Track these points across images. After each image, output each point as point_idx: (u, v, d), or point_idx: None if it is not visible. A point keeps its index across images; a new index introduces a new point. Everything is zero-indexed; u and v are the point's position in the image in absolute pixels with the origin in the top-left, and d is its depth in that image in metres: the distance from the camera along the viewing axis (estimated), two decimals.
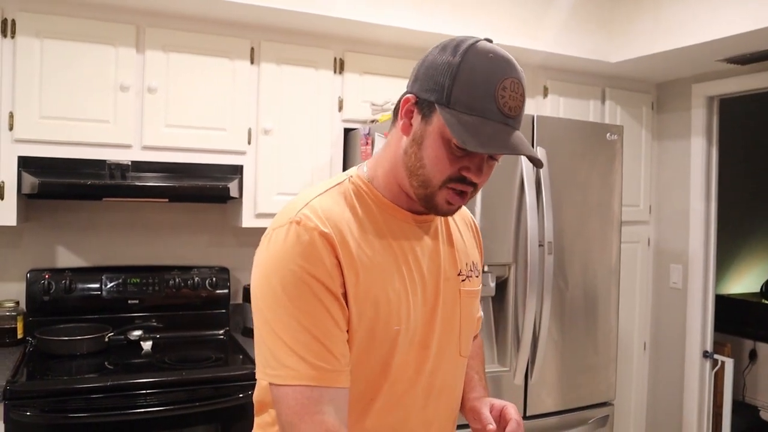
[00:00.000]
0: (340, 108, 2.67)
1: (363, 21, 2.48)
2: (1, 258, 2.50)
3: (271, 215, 2.50)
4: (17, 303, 2.41)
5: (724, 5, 2.49)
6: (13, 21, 2.17)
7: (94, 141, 2.27)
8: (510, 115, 0.94)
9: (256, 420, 1.14)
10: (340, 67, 2.67)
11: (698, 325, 3.23)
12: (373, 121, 2.54)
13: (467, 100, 0.93)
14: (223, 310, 2.71)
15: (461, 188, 0.99)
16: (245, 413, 2.12)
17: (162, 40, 2.37)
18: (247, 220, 2.53)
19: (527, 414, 2.41)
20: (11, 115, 2.17)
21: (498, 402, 1.16)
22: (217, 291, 2.69)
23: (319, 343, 0.93)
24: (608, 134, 2.59)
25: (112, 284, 2.53)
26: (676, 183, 3.36)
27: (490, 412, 1.15)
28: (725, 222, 3.48)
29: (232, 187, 2.44)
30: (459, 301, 1.13)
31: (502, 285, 2.37)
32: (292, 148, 2.58)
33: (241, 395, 2.12)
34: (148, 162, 2.35)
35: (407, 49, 2.77)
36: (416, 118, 0.99)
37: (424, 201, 1.02)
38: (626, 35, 2.93)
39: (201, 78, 2.43)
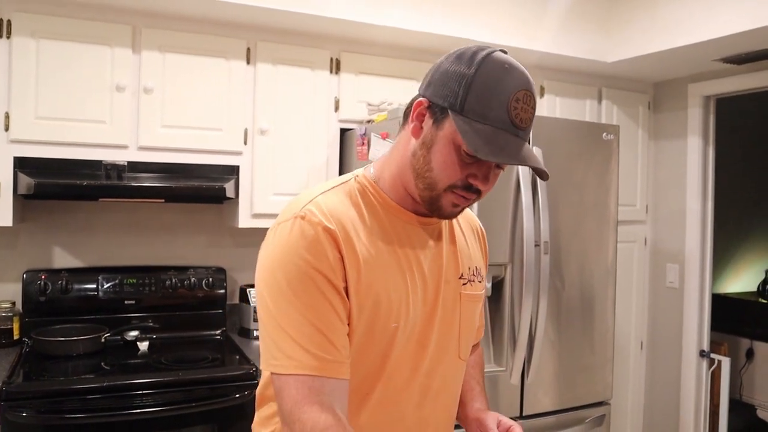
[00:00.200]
0: (336, 108, 2.67)
1: (359, 21, 2.48)
2: None
3: (268, 215, 2.52)
4: (13, 304, 2.41)
5: (720, 5, 2.50)
6: (9, 21, 2.16)
7: (90, 141, 2.27)
8: (521, 127, 0.96)
9: (257, 414, 1.16)
10: (336, 67, 2.67)
11: (695, 325, 3.23)
12: (369, 121, 2.54)
13: (481, 109, 0.95)
14: (220, 311, 2.71)
15: (466, 195, 1.01)
16: (242, 413, 2.12)
17: (158, 40, 2.37)
18: (244, 221, 2.53)
19: (524, 414, 2.42)
20: (7, 116, 2.17)
21: (506, 420, 1.18)
22: (214, 291, 2.69)
23: (322, 335, 0.95)
24: (605, 134, 2.59)
25: (108, 285, 2.52)
26: (672, 182, 3.36)
27: (497, 427, 1.16)
28: (722, 221, 3.48)
29: (229, 187, 2.44)
30: (459, 304, 1.14)
31: (498, 285, 2.37)
32: (289, 149, 2.58)
33: (237, 395, 2.12)
34: (145, 162, 2.35)
35: (403, 50, 2.77)
36: (427, 122, 1.01)
37: (429, 203, 1.04)
38: (623, 34, 2.94)
39: (197, 78, 2.43)
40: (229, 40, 2.48)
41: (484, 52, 0.97)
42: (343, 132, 2.70)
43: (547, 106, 3.11)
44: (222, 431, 2.14)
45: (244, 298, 2.69)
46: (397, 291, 1.03)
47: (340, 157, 2.69)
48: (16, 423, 1.86)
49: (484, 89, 0.95)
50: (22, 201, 2.37)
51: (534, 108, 0.98)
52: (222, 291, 2.71)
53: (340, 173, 2.68)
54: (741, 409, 3.71)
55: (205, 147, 2.45)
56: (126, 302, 2.54)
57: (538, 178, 2.37)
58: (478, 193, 1.02)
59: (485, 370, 1.45)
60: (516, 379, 2.39)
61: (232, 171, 2.49)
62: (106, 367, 2.18)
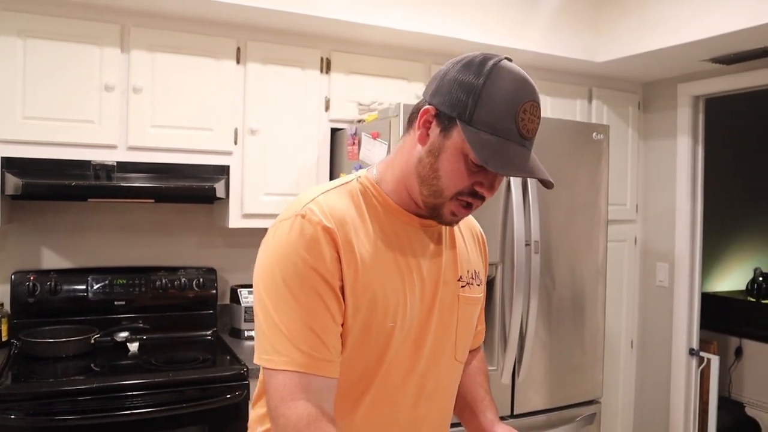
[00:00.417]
0: (327, 108, 2.67)
1: (350, 21, 2.48)
2: None
3: (258, 215, 2.51)
4: (2, 305, 2.39)
5: (709, 5, 2.51)
6: None
7: (78, 141, 2.26)
8: (527, 137, 0.99)
9: (254, 411, 1.17)
10: (326, 66, 2.66)
11: (684, 323, 3.25)
12: (359, 121, 2.53)
13: (489, 120, 0.96)
14: (211, 311, 2.70)
15: (470, 201, 1.03)
16: (233, 414, 2.11)
17: (147, 39, 2.35)
18: (234, 221, 2.52)
19: (515, 413, 2.42)
20: None
21: None
22: (205, 292, 2.68)
23: (314, 334, 0.97)
24: (594, 134, 2.60)
25: (98, 285, 2.51)
26: (662, 182, 3.38)
27: None
28: (711, 220, 3.50)
29: (219, 187, 2.43)
30: (457, 306, 1.16)
31: (489, 284, 2.37)
32: (279, 148, 2.58)
33: (228, 396, 2.11)
34: (134, 162, 2.34)
35: (394, 49, 2.77)
36: (434, 130, 1.02)
37: (431, 210, 1.06)
38: (612, 33, 2.95)
39: (187, 78, 2.42)
40: (218, 39, 2.47)
41: (491, 62, 0.99)
42: (334, 132, 2.69)
43: None
44: None
45: (235, 298, 2.68)
46: (394, 291, 1.05)
47: (330, 157, 2.69)
48: (5, 426, 1.85)
49: (493, 100, 0.96)
50: (9, 202, 2.35)
51: (539, 118, 1.00)
52: (213, 291, 2.70)
53: (331, 173, 2.67)
54: (730, 406, 3.74)
55: (195, 147, 2.44)
56: (116, 303, 2.53)
57: (528, 179, 2.37)
58: (482, 200, 1.04)
59: None
60: (507, 378, 2.39)
61: (223, 171, 2.48)
62: (96, 369, 2.17)
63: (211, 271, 2.73)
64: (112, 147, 2.32)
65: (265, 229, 1.08)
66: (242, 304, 2.62)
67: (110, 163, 2.29)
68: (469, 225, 1.28)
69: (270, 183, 2.56)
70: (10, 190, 2.15)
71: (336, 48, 2.68)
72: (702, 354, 3.27)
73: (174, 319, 2.62)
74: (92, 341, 2.32)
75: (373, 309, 1.02)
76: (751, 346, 3.71)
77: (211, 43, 2.45)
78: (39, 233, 2.55)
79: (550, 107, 3.15)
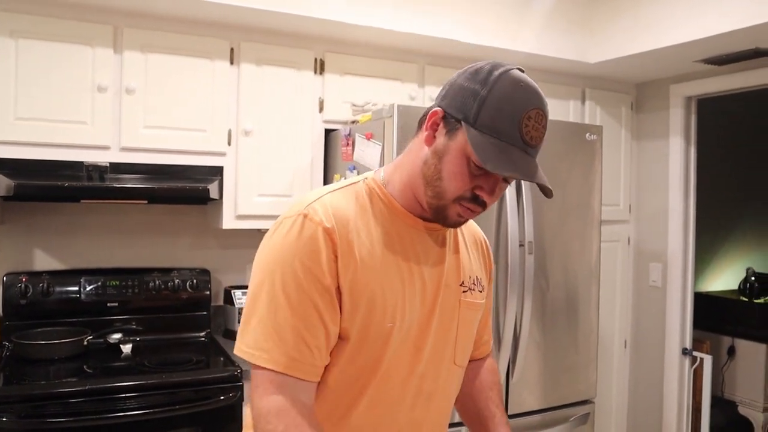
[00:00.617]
0: (321, 109, 2.66)
1: (344, 22, 2.48)
2: None
3: (252, 216, 2.51)
4: None
5: (702, 6, 2.52)
6: None
7: (71, 142, 2.25)
8: (531, 144, 1.00)
9: (247, 409, 1.18)
10: (320, 67, 2.66)
11: (677, 323, 3.26)
12: (353, 122, 2.53)
13: (493, 124, 0.98)
14: (204, 312, 2.69)
15: (471, 207, 1.04)
16: (227, 415, 2.10)
17: (140, 40, 2.35)
18: (228, 222, 2.51)
19: (509, 413, 2.42)
20: None
21: None
22: (198, 293, 2.66)
23: (299, 337, 0.99)
24: (588, 134, 2.61)
25: (90, 287, 2.50)
26: (655, 182, 3.39)
27: None
28: (704, 220, 3.52)
29: (212, 188, 2.43)
30: (459, 311, 1.16)
31: None
32: (273, 149, 2.57)
33: (222, 397, 2.10)
34: (127, 163, 2.33)
35: (388, 50, 2.77)
36: (441, 132, 1.04)
37: (435, 211, 1.06)
38: (605, 34, 2.96)
39: (180, 79, 2.41)
40: (212, 40, 2.46)
41: (498, 71, 1.00)
42: (328, 133, 2.69)
43: None
44: None
45: (228, 299, 2.67)
46: (393, 291, 1.05)
47: (324, 158, 2.68)
48: None
49: (497, 106, 0.98)
50: (1, 203, 2.34)
51: (545, 127, 1.02)
52: (206, 293, 2.69)
53: (325, 174, 2.67)
54: (723, 405, 3.76)
55: (189, 148, 2.43)
56: (109, 304, 2.52)
57: (522, 181, 2.37)
58: (484, 206, 1.05)
59: None
60: (501, 378, 2.39)
61: (216, 172, 2.48)
62: (88, 371, 2.16)
63: (205, 272, 2.72)
64: (105, 148, 2.31)
65: (259, 231, 1.09)
66: (236, 306, 2.62)
67: (103, 164, 2.28)
68: (472, 232, 1.28)
69: (264, 184, 2.55)
70: (1, 191, 2.14)
71: (330, 49, 2.68)
72: (695, 353, 3.29)
73: (167, 320, 2.61)
74: (85, 343, 2.31)
75: (372, 308, 1.03)
76: (743, 346, 3.73)
77: (204, 44, 2.45)
78: (31, 234, 2.54)
79: None
